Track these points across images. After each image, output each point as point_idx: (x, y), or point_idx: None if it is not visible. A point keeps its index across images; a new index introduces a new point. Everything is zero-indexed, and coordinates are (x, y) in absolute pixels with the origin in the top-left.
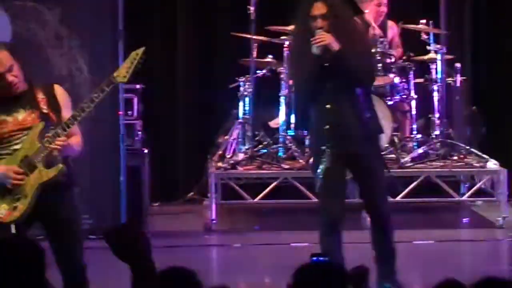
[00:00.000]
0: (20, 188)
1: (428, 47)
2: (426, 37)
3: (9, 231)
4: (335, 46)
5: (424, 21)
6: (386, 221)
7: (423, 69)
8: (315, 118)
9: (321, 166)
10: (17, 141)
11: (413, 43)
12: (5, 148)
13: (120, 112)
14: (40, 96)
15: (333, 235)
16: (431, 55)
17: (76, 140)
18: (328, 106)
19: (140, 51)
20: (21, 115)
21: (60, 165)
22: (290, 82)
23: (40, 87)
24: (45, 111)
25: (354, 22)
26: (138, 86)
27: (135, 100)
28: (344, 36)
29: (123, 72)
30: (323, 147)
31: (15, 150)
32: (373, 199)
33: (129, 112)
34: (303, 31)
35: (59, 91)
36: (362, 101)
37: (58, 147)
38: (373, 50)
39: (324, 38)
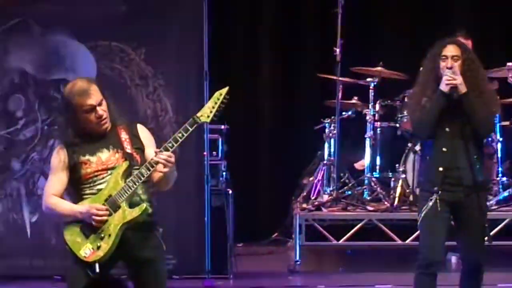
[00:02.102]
0: (104, 228)
1: None
2: None
3: (93, 270)
4: (463, 89)
5: (510, 64)
6: (481, 272)
7: (509, 111)
8: (430, 158)
9: (427, 206)
10: (101, 180)
11: (500, 86)
12: (90, 188)
13: (205, 153)
14: (124, 135)
15: (429, 275)
16: None
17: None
18: (444, 149)
19: (224, 91)
20: (105, 155)
21: (144, 205)
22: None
23: (123, 126)
24: (128, 151)
25: (483, 72)
26: (222, 127)
27: (220, 141)
28: (473, 82)
29: (207, 111)
30: (434, 188)
31: (99, 190)
32: (471, 250)
33: (214, 153)
34: (432, 70)
35: (142, 130)
36: (476, 151)
37: (165, 161)
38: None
39: (455, 78)
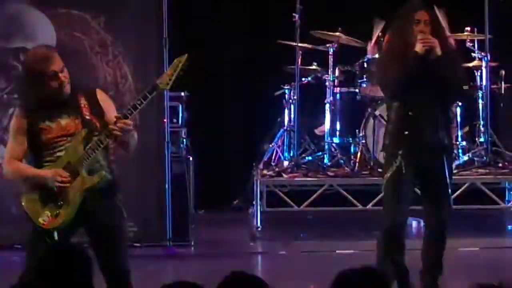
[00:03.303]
0: (63, 195)
1: (473, 54)
2: (470, 44)
3: (52, 237)
4: (439, 51)
5: (468, 28)
6: (444, 236)
7: (468, 76)
8: (395, 121)
9: (391, 170)
10: (61, 147)
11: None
12: (49, 155)
13: (165, 120)
14: (83, 102)
15: (392, 239)
16: (476, 62)
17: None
18: (410, 113)
19: (183, 58)
20: (65, 121)
21: (103, 172)
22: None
23: (83, 92)
24: (88, 117)
25: (450, 37)
26: (183, 94)
27: (180, 108)
28: (444, 45)
29: (166, 79)
30: (399, 152)
31: (59, 157)
32: (438, 209)
33: (174, 120)
34: (404, 34)
35: (102, 96)
36: (442, 116)
37: (120, 129)
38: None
39: (431, 40)
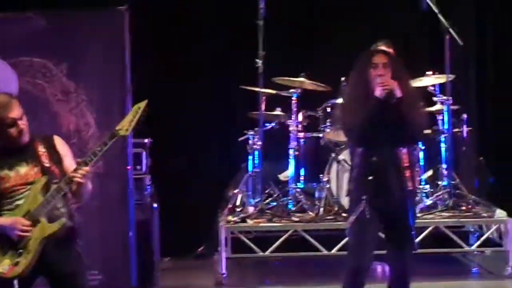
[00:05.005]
0: (23, 243)
1: (434, 98)
2: (432, 88)
3: (12, 287)
4: (398, 93)
5: (430, 72)
6: (408, 280)
7: (430, 120)
8: (359, 165)
9: (355, 214)
10: (20, 196)
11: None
12: (8, 204)
13: (129, 167)
14: (41, 149)
15: (357, 284)
16: (438, 106)
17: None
18: (374, 158)
19: (143, 104)
20: (23, 169)
21: (63, 219)
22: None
23: (41, 139)
24: (47, 165)
25: (410, 79)
26: (146, 141)
27: (144, 155)
28: (404, 87)
29: (125, 125)
30: (363, 197)
31: (18, 205)
32: (402, 253)
33: (138, 167)
34: (363, 79)
35: (59, 143)
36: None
37: (81, 177)
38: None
39: (390, 83)
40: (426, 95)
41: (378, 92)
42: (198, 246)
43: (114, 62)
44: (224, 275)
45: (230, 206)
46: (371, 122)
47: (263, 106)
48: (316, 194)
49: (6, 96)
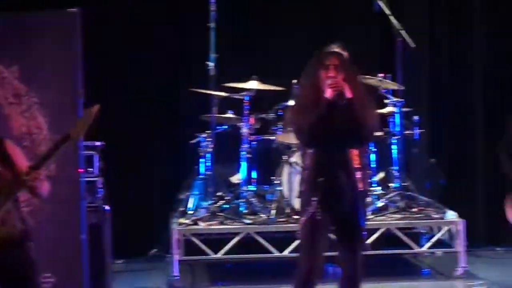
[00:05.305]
0: None
1: (386, 101)
2: (384, 90)
3: None
4: (349, 94)
5: (381, 75)
6: (360, 276)
7: (382, 122)
8: (310, 167)
9: (306, 215)
10: None
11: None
12: None
13: (81, 170)
14: None
15: (308, 286)
16: (389, 108)
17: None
18: (324, 159)
19: (95, 108)
20: None
21: (14, 223)
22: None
23: None
24: None
25: (362, 81)
26: (98, 144)
27: (96, 157)
28: (355, 89)
29: (77, 129)
30: (314, 198)
31: None
32: (353, 254)
33: (90, 170)
34: (314, 81)
35: (10, 146)
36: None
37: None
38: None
39: (340, 84)
40: (377, 97)
41: (328, 93)
42: (150, 248)
43: (66, 64)
44: (177, 278)
45: (182, 208)
46: (321, 123)
47: (215, 109)
48: (268, 197)
49: None
